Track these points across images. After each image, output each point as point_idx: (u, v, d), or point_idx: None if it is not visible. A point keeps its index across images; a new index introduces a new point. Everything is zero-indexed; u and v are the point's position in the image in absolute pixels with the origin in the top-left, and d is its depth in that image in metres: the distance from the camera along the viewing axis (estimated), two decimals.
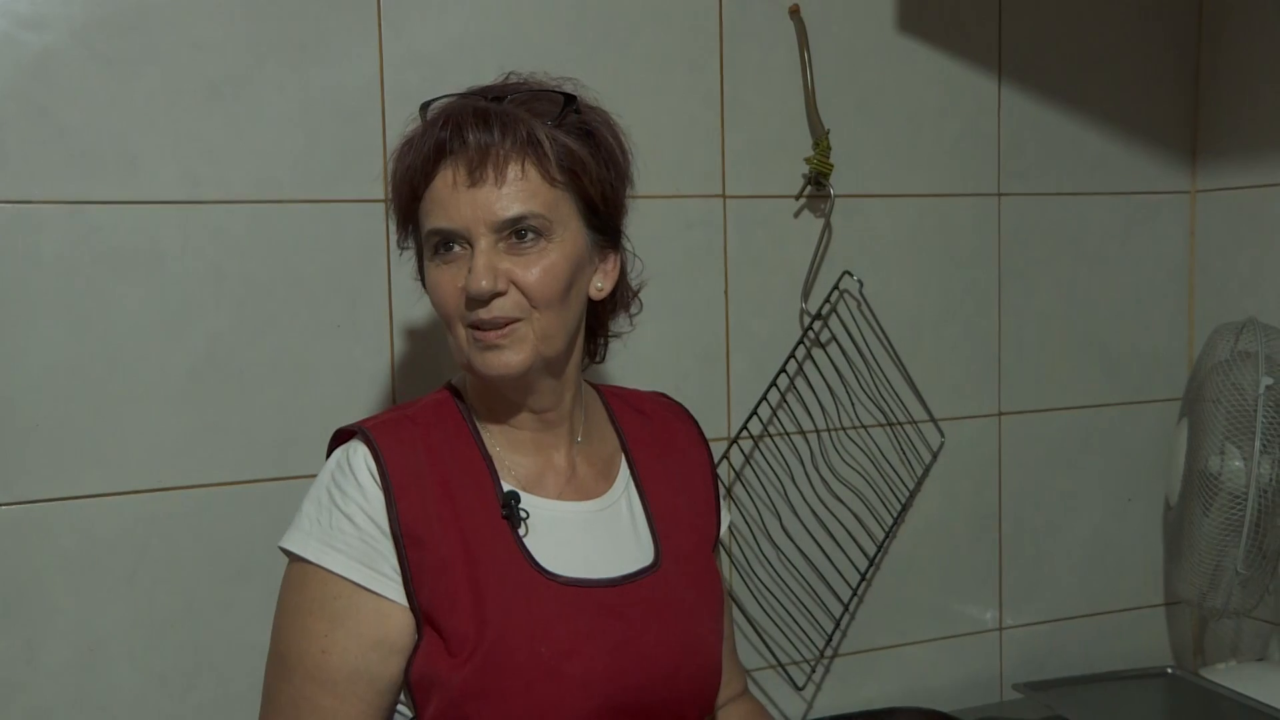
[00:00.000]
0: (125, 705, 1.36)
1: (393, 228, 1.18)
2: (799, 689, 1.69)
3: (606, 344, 1.26)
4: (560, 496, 1.15)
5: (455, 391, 1.18)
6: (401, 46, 1.44)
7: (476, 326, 1.08)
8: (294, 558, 1.09)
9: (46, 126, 1.30)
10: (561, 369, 1.15)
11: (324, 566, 1.07)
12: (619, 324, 1.25)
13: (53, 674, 1.33)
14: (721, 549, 1.30)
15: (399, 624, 1.07)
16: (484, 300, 1.07)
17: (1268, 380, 1.56)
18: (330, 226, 1.42)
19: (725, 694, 1.30)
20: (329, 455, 1.15)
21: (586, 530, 1.15)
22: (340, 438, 1.15)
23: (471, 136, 1.08)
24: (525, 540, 1.11)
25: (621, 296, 1.22)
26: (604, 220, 1.16)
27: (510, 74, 1.19)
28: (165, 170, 1.35)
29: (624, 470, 1.22)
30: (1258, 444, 1.55)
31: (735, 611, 1.65)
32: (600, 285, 1.17)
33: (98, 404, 1.34)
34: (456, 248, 1.09)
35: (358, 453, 1.10)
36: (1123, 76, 1.84)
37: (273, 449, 1.40)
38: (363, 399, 1.44)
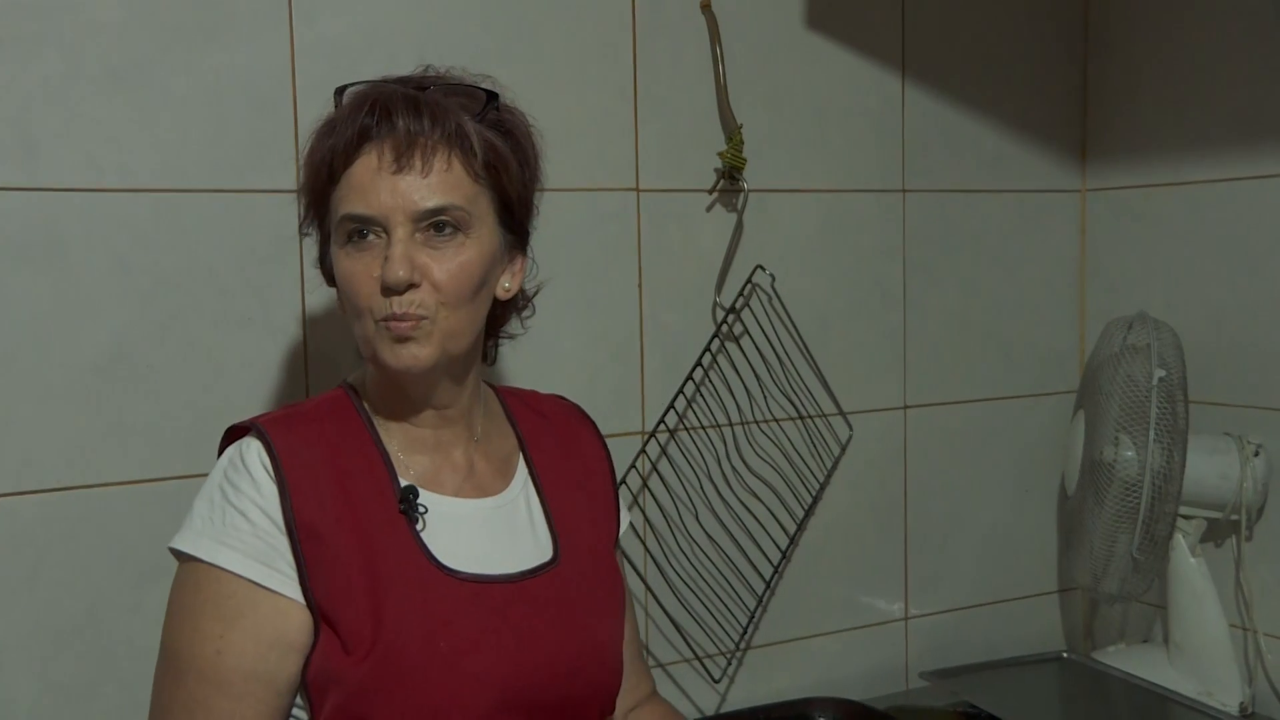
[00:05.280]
0: (24, 716, 1.30)
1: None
2: (715, 682, 1.69)
3: (497, 345, 1.25)
4: (458, 494, 1.14)
5: (351, 390, 1.16)
6: (313, 34, 1.40)
7: (387, 318, 1.06)
8: (185, 558, 1.06)
9: None
10: (463, 367, 1.14)
11: (218, 565, 1.04)
12: (512, 325, 1.24)
13: None
14: (622, 549, 1.29)
15: (297, 622, 1.04)
16: (399, 291, 1.05)
17: (1161, 372, 1.62)
18: (240, 217, 1.37)
19: (634, 696, 1.29)
20: (220, 453, 1.12)
21: (484, 527, 1.14)
22: (232, 435, 1.12)
23: (401, 122, 1.06)
24: (423, 536, 1.09)
25: (520, 298, 1.21)
26: (517, 221, 1.15)
27: (428, 67, 1.18)
28: (65, 156, 1.29)
29: (522, 469, 1.21)
30: (1152, 433, 1.61)
31: (652, 605, 1.65)
32: (507, 285, 1.16)
33: None
34: (371, 236, 1.06)
35: (251, 448, 1.07)
36: (1017, 79, 1.90)
37: (181, 446, 1.35)
38: (275, 394, 1.40)
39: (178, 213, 1.34)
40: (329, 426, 1.11)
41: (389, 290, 1.05)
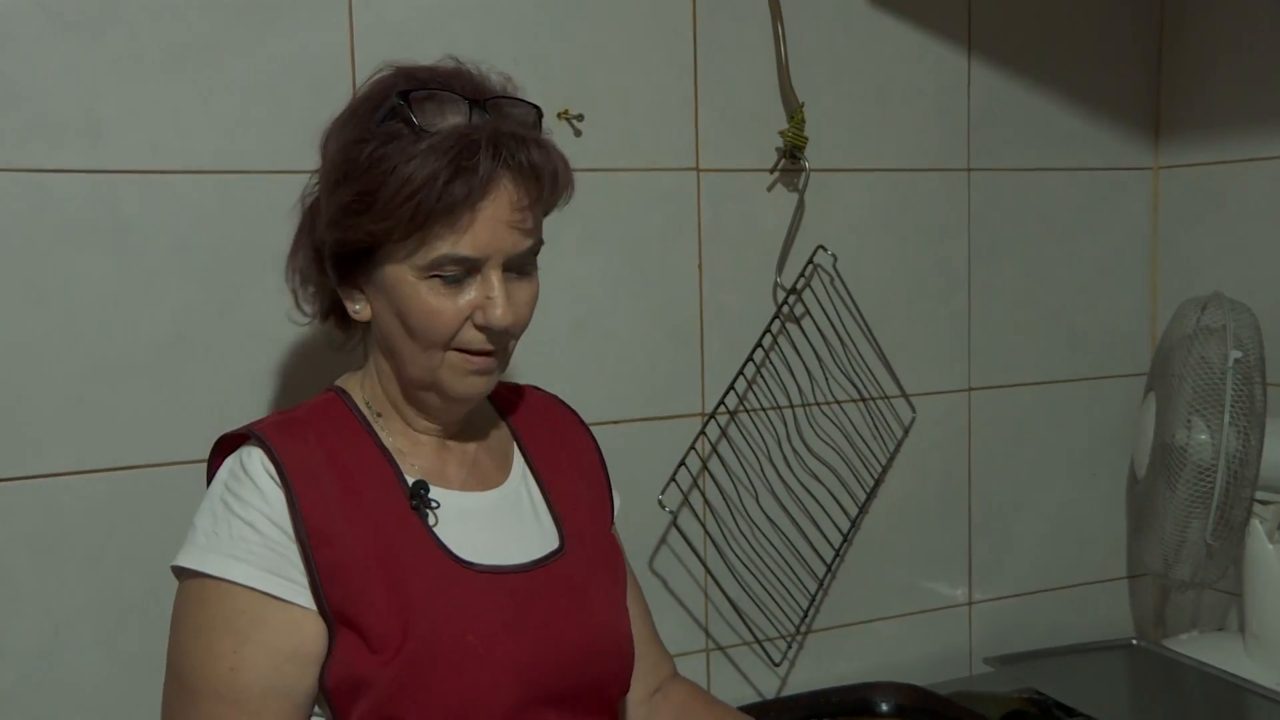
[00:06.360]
0: (92, 689, 1.33)
1: None
2: (775, 665, 1.68)
3: None
4: (464, 487, 1.13)
5: (343, 393, 1.15)
6: (372, 15, 1.41)
7: (477, 352, 1.06)
8: (190, 574, 1.03)
9: (2, 91, 1.26)
10: None
11: (227, 579, 1.01)
12: None
13: (16, 657, 1.30)
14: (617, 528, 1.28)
15: (312, 632, 1.02)
16: (502, 333, 1.06)
17: (1236, 354, 1.58)
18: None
19: (655, 677, 1.28)
20: (211, 464, 1.10)
21: (492, 519, 1.13)
22: (224, 446, 1.10)
23: (529, 159, 1.03)
24: (435, 530, 1.08)
25: None
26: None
27: (450, 59, 1.11)
28: (127, 139, 1.31)
29: (518, 459, 1.20)
30: (1227, 417, 1.57)
31: (712, 588, 1.64)
32: None
33: (60, 380, 1.30)
34: (462, 274, 1.04)
35: (253, 456, 1.05)
36: (1087, 53, 1.85)
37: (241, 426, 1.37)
38: (334, 374, 1.40)
39: (238, 195, 1.36)
40: (326, 429, 1.09)
41: (491, 332, 1.05)
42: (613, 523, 1.26)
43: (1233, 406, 1.57)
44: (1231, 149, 1.82)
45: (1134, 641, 1.81)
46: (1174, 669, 1.71)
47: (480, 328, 1.05)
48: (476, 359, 1.06)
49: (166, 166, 1.32)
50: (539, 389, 1.31)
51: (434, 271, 1.03)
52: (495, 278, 1.04)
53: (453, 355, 1.06)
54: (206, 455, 1.34)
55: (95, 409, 1.31)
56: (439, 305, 1.04)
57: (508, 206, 1.03)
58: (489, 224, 1.02)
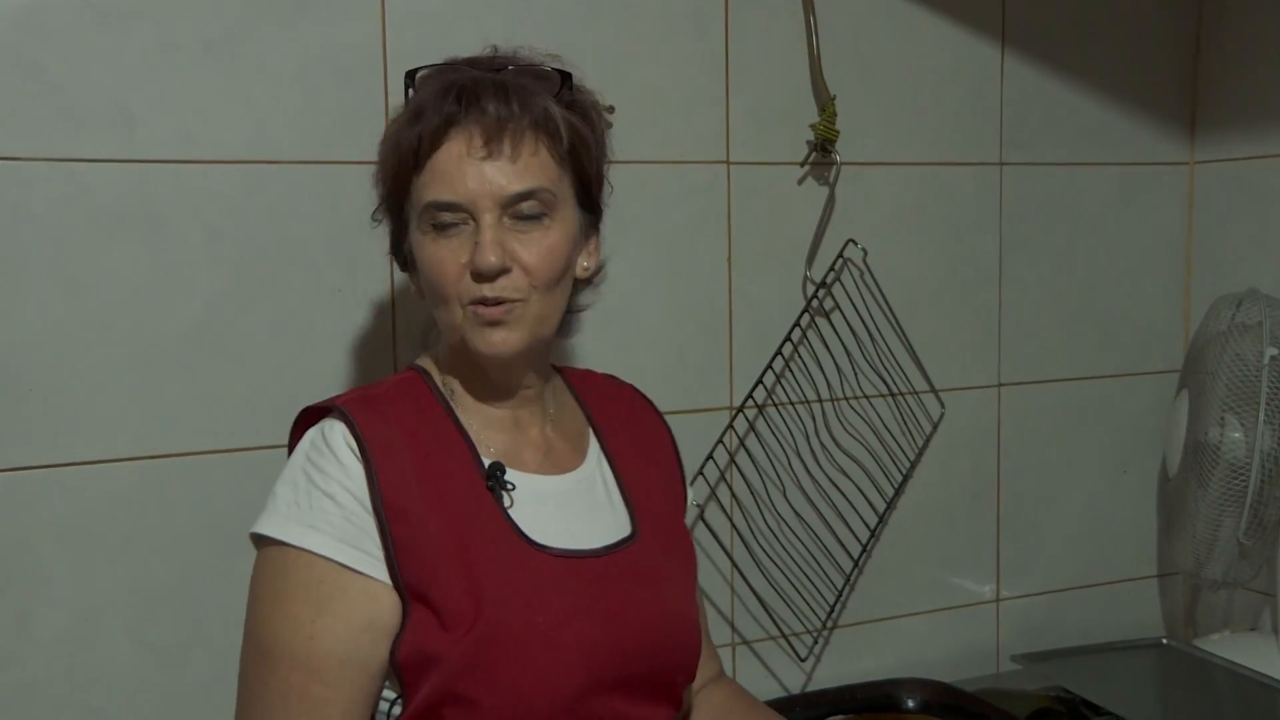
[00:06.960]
0: (120, 677, 1.34)
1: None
2: (801, 660, 1.68)
3: (575, 319, 1.23)
4: (539, 470, 1.14)
5: (422, 371, 1.16)
6: (404, 4, 1.40)
7: (476, 302, 1.07)
8: (270, 543, 1.05)
9: (37, 81, 1.26)
10: (545, 349, 1.16)
11: (307, 549, 1.02)
12: (584, 297, 1.22)
13: (45, 645, 1.31)
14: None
15: (387, 605, 1.04)
16: (491, 276, 1.05)
17: (1273, 351, 1.56)
18: (330, 189, 1.38)
19: (704, 674, 1.29)
20: (294, 436, 1.12)
21: (566, 503, 1.14)
22: (307, 418, 1.12)
23: (491, 108, 1.06)
24: (510, 512, 1.09)
25: (597, 274, 1.21)
26: (593, 200, 1.15)
27: (495, 48, 1.16)
28: (159, 129, 1.31)
29: (594, 444, 1.21)
30: (1262, 414, 1.55)
31: (738, 582, 1.64)
32: (586, 265, 1.17)
33: (90, 368, 1.30)
34: (458, 223, 1.06)
35: (335, 429, 1.07)
36: (1123, 46, 1.83)
37: (270, 416, 1.37)
38: (363, 365, 1.41)
39: (269, 184, 1.36)
40: (406, 407, 1.11)
41: (480, 276, 1.06)
42: (685, 513, 1.27)
43: (1268, 404, 1.56)
44: (1269, 144, 1.79)
45: (1164, 641, 1.79)
46: (1205, 669, 1.69)
47: (474, 275, 1.06)
48: (484, 309, 1.07)
49: (199, 156, 1.33)
50: (615, 377, 1.31)
51: (431, 222, 1.07)
52: (486, 222, 1.06)
53: (472, 310, 1.07)
54: (234, 444, 1.36)
55: (125, 397, 1.32)
56: (439, 255, 1.07)
57: (479, 148, 1.05)
58: (458, 166, 1.06)
